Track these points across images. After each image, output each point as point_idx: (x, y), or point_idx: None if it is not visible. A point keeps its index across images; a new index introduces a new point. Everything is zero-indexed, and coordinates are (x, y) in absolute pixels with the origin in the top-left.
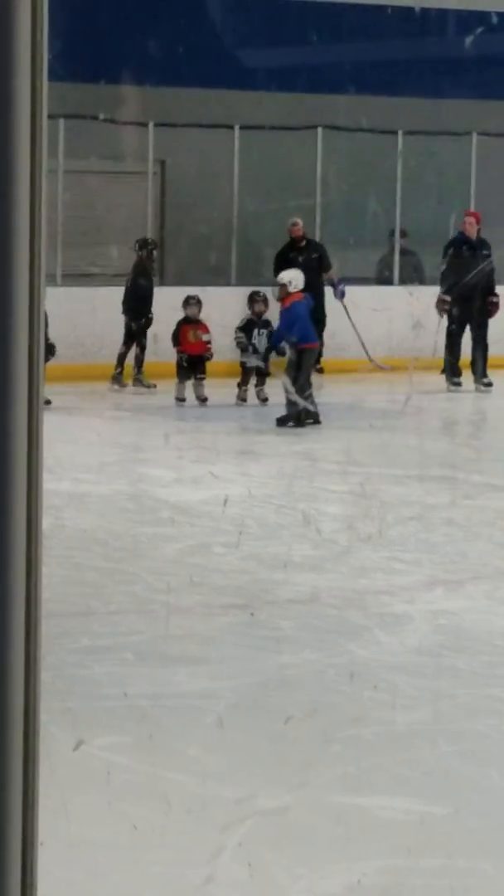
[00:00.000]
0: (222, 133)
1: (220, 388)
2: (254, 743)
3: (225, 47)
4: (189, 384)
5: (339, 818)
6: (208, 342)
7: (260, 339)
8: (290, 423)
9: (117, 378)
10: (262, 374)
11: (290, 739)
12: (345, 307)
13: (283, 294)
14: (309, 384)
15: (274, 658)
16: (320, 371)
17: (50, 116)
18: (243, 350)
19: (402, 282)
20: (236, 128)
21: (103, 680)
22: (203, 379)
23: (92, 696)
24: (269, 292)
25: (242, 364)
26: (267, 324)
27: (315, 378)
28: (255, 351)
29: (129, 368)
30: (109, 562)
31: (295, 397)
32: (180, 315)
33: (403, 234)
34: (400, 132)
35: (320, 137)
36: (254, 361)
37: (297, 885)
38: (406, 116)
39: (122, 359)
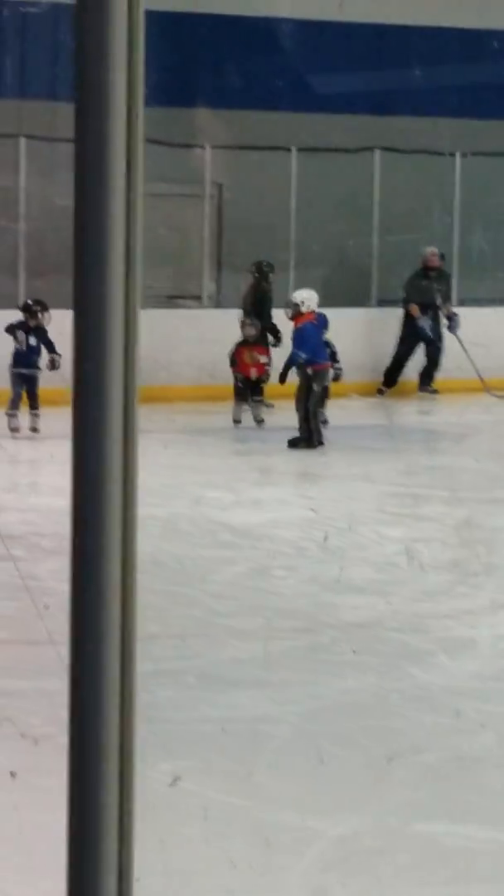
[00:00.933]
0: (280, 155)
1: (276, 411)
2: (318, 768)
3: (283, 70)
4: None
5: (406, 845)
6: (266, 364)
7: None
8: (302, 445)
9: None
10: (323, 398)
11: (356, 765)
12: (458, 338)
13: (295, 314)
14: (321, 405)
15: (337, 682)
16: (381, 392)
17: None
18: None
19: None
20: (293, 150)
21: (166, 704)
22: (260, 401)
23: (154, 720)
24: (283, 312)
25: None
26: (326, 345)
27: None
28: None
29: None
30: (170, 585)
31: (306, 419)
32: (236, 338)
33: (441, 256)
34: (458, 154)
35: (378, 159)
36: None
37: None
38: (465, 138)
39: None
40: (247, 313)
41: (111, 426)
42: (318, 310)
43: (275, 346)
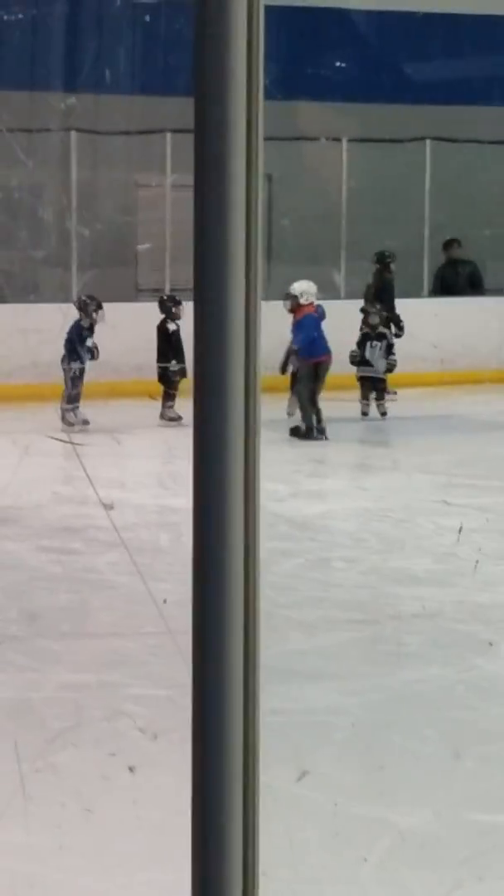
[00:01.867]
0: (330, 146)
1: (331, 402)
2: (384, 760)
3: (331, 61)
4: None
5: (475, 837)
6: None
7: (373, 352)
8: (300, 436)
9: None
10: (382, 388)
11: (423, 756)
12: None
13: (294, 306)
14: (314, 397)
15: (400, 673)
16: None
17: (156, 131)
18: (357, 364)
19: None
20: (344, 140)
21: None
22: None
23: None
24: (282, 304)
25: (359, 378)
26: (382, 336)
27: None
28: (369, 364)
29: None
30: None
31: (303, 410)
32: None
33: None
34: None
35: (429, 150)
36: (364, 372)
37: None
38: None
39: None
40: (369, 302)
41: (233, 419)
42: (316, 301)
43: (398, 336)
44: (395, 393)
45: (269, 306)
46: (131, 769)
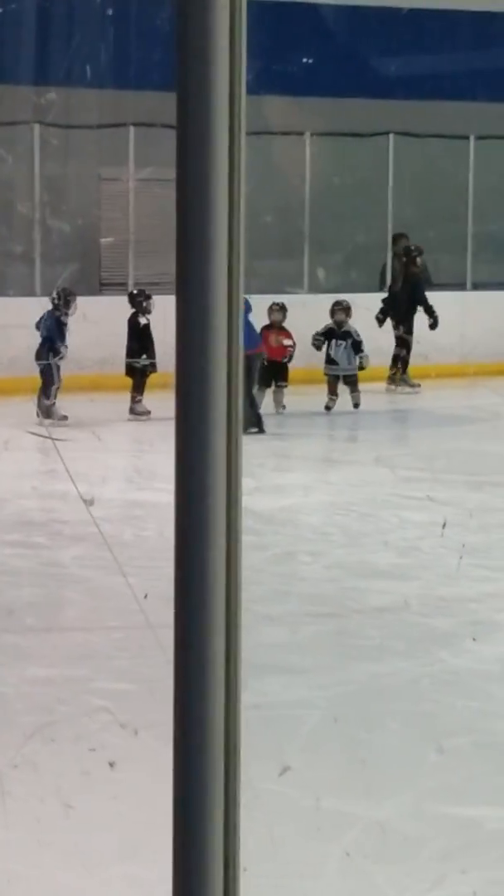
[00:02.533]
0: (293, 140)
1: (296, 396)
2: (351, 753)
3: (296, 56)
4: (269, 391)
5: (442, 829)
6: (289, 347)
7: (337, 350)
8: (253, 431)
9: (392, 378)
10: (353, 382)
11: (389, 749)
12: None
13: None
14: (250, 389)
15: (366, 667)
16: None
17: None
18: (317, 345)
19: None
20: (307, 134)
21: None
22: (284, 386)
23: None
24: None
25: (326, 374)
26: (346, 335)
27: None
28: (334, 362)
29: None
30: None
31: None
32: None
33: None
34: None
35: (392, 144)
36: (333, 370)
37: None
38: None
39: (395, 360)
40: (391, 296)
41: (215, 413)
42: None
43: (433, 327)
44: (419, 385)
45: None
46: (111, 764)
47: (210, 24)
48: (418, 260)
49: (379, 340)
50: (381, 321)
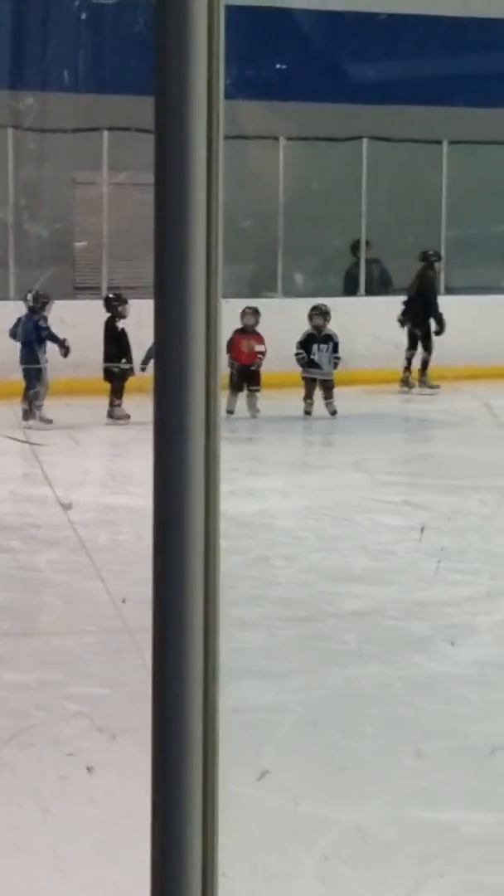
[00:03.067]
0: (267, 145)
1: (269, 400)
2: (326, 757)
3: (269, 61)
4: (242, 396)
5: (417, 833)
6: (260, 353)
7: (321, 355)
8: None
9: (406, 380)
10: (330, 388)
11: (364, 754)
12: None
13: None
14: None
15: (340, 671)
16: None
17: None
18: (303, 365)
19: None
20: (281, 139)
21: None
22: (257, 391)
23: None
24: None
25: (304, 377)
26: (328, 338)
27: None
28: (315, 364)
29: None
30: None
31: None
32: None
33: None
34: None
35: (365, 148)
36: (312, 374)
37: None
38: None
39: (409, 362)
40: (411, 300)
41: (194, 417)
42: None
43: (438, 333)
44: (439, 387)
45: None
46: (89, 769)
47: (188, 30)
48: (437, 265)
49: (354, 343)
50: (402, 323)
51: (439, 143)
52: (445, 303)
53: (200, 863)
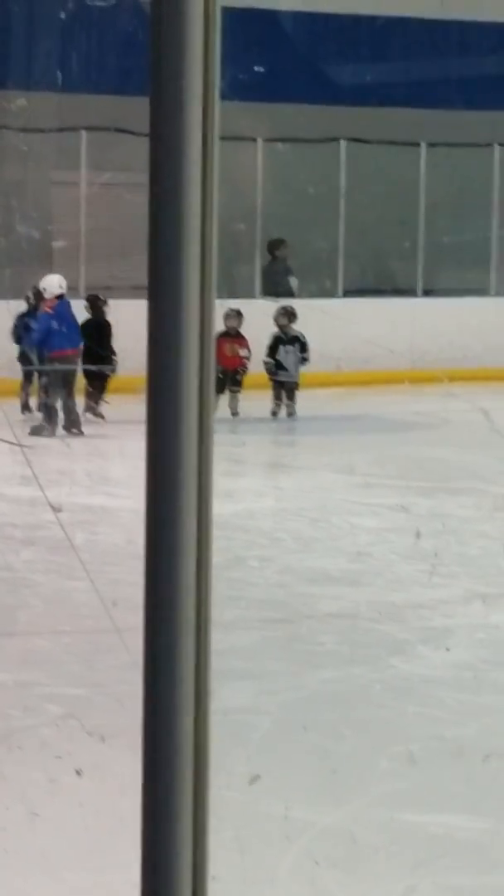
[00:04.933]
0: (245, 146)
1: (247, 402)
2: (302, 759)
3: (247, 62)
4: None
5: (392, 835)
6: (245, 357)
7: (287, 357)
8: (45, 433)
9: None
10: (292, 390)
11: (340, 756)
12: None
13: (38, 300)
14: (57, 392)
15: (317, 673)
16: None
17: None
18: (271, 372)
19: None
20: (259, 140)
21: None
22: (237, 392)
23: (138, 713)
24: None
25: (272, 379)
26: (294, 339)
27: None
28: (282, 367)
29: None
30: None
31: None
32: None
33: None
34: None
35: (343, 150)
36: (280, 377)
37: None
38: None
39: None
40: None
41: (187, 418)
42: (59, 296)
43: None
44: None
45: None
46: (78, 772)
47: (184, 31)
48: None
49: (329, 347)
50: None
51: (417, 145)
52: (423, 305)
53: (191, 866)
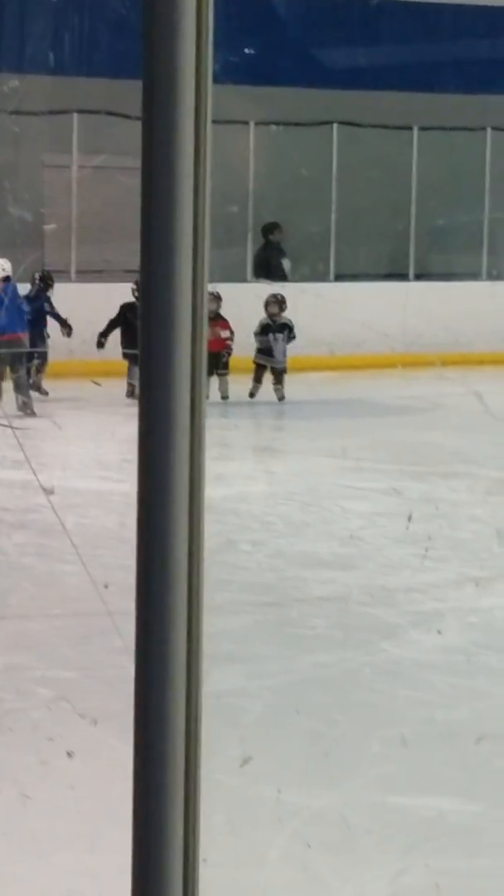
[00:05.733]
0: (237, 129)
1: (236, 385)
2: (294, 742)
3: (239, 44)
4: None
5: (383, 818)
6: (227, 339)
7: (276, 344)
8: None
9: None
10: (281, 374)
11: (331, 739)
12: None
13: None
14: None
15: (308, 657)
16: None
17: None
18: (259, 351)
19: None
20: (251, 123)
21: None
22: (225, 374)
23: (129, 696)
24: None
25: (255, 362)
26: (283, 326)
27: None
28: (269, 353)
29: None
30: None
31: None
32: None
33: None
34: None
35: (336, 134)
36: (269, 362)
37: (349, 886)
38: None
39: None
40: None
41: (180, 402)
42: (5, 278)
43: None
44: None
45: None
46: (70, 755)
47: (177, 14)
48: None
49: (321, 330)
50: None
51: (410, 128)
52: (417, 289)
53: (182, 849)
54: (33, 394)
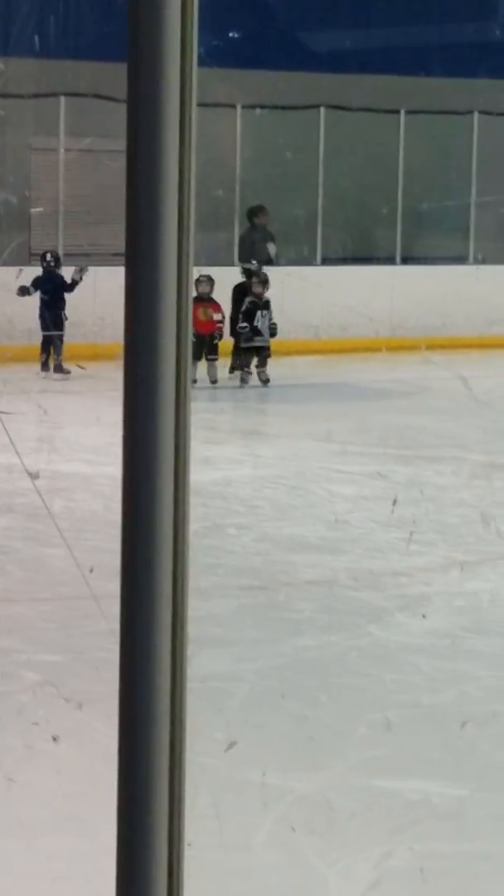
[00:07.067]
0: (224, 112)
1: (226, 369)
2: (281, 726)
3: (225, 27)
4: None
5: (369, 802)
6: (219, 322)
7: (263, 322)
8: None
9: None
10: (266, 356)
11: (317, 722)
12: None
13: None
14: None
15: (295, 640)
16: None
17: (50, 94)
18: (248, 339)
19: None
20: (238, 107)
21: None
22: (215, 360)
23: (114, 680)
24: None
25: (245, 348)
26: (267, 305)
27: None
28: (258, 333)
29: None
30: None
31: None
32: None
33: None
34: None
35: (323, 117)
36: (255, 342)
37: (334, 870)
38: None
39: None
40: None
41: (164, 386)
42: None
43: None
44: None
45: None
46: (55, 739)
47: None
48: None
49: (307, 314)
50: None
51: (397, 112)
52: (402, 273)
53: (167, 832)
54: (55, 375)
